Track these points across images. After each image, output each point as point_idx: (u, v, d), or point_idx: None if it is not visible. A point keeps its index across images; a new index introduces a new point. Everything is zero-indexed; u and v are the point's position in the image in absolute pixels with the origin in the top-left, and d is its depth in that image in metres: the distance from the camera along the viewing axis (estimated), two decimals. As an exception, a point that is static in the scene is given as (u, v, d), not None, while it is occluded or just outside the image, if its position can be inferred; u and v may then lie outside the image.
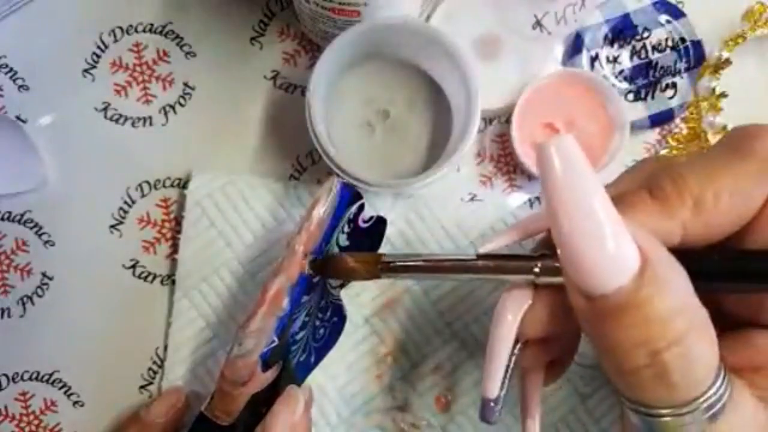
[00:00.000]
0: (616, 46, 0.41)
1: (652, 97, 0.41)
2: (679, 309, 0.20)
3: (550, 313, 0.25)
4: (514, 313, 0.25)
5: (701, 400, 0.21)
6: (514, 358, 0.26)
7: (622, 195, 0.24)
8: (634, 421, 0.22)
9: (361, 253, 0.32)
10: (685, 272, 0.21)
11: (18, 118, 0.41)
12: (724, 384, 0.21)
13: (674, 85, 0.41)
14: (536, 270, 0.24)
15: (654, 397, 0.21)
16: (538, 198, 0.41)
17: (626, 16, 0.41)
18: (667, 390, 0.21)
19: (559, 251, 0.21)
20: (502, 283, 0.26)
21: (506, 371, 0.26)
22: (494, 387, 0.26)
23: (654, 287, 0.20)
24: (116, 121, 0.41)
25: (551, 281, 0.24)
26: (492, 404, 0.26)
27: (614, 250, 0.20)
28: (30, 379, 0.39)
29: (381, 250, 0.37)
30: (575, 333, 0.27)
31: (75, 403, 0.39)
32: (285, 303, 0.31)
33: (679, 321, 0.20)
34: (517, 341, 0.26)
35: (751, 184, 0.23)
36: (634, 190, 0.24)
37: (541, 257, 0.25)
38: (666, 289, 0.20)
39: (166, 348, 0.39)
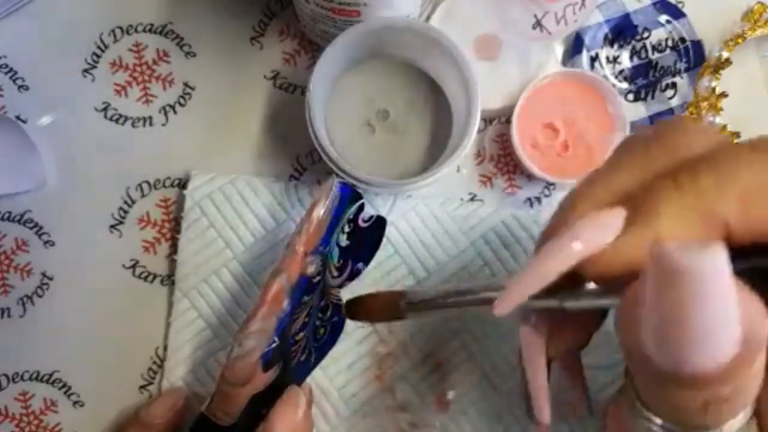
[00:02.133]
0: (616, 46, 0.41)
1: (652, 97, 0.41)
2: (752, 372, 0.18)
3: (572, 334, 0.25)
4: (539, 345, 0.25)
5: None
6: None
7: (636, 196, 0.20)
8: (639, 429, 0.22)
9: (382, 292, 0.32)
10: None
11: (18, 118, 0.41)
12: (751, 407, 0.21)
13: (674, 85, 0.41)
14: (560, 297, 0.23)
15: (688, 424, 0.20)
16: (537, 198, 0.41)
17: (626, 16, 0.41)
18: (708, 421, 0.20)
19: (648, 338, 0.18)
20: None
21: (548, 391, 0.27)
22: (546, 414, 0.27)
23: (742, 365, 0.18)
24: (116, 121, 0.41)
25: (577, 306, 0.23)
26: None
27: (722, 341, 0.17)
28: (30, 379, 0.39)
29: (381, 251, 0.37)
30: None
31: (75, 403, 0.39)
32: (285, 303, 0.31)
33: (748, 379, 0.19)
34: (549, 360, 0.26)
35: None
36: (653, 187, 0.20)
37: (562, 285, 0.23)
38: (752, 363, 0.18)
39: (166, 348, 0.39)
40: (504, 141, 0.41)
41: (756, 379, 0.19)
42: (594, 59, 0.41)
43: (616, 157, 0.23)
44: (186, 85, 0.41)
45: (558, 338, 0.26)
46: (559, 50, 0.41)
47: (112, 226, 0.40)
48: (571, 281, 0.22)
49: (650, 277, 0.17)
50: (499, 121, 0.41)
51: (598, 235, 0.21)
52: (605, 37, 0.41)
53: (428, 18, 0.40)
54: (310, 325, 0.34)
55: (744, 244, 0.20)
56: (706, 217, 0.20)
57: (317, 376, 0.38)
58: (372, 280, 0.38)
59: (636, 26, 0.41)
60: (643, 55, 0.41)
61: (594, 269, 0.21)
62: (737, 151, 0.20)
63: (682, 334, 0.17)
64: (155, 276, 0.40)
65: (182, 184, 0.40)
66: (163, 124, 0.41)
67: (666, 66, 0.41)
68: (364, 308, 0.32)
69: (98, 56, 0.41)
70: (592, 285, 0.23)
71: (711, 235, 0.20)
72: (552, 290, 0.22)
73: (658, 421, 0.21)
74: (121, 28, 0.41)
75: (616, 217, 0.21)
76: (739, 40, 0.40)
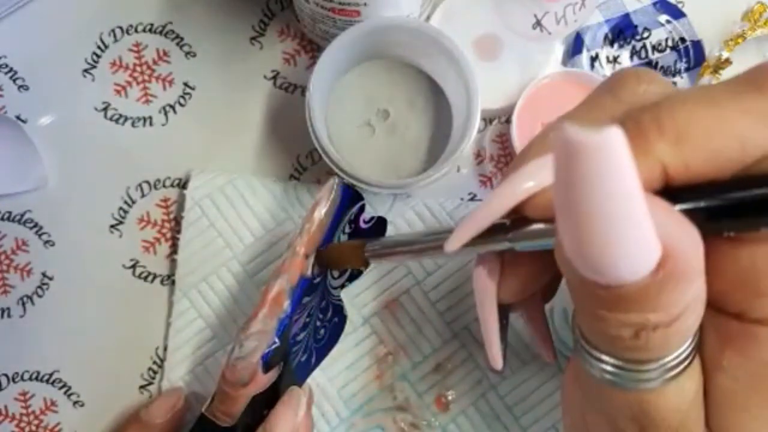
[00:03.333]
0: (616, 46, 0.41)
1: (652, 97, 0.41)
2: (684, 299, 0.18)
3: (524, 276, 0.25)
4: (490, 287, 0.26)
5: (668, 359, 0.20)
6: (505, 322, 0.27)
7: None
8: (587, 369, 0.21)
9: (346, 242, 0.34)
10: (702, 249, 0.18)
11: (18, 118, 0.41)
12: (692, 345, 0.20)
13: (674, 85, 0.41)
14: (510, 238, 0.23)
15: (625, 356, 0.20)
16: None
17: (626, 16, 0.41)
18: (642, 354, 0.20)
19: (564, 237, 0.18)
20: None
21: (502, 338, 0.27)
22: (498, 360, 0.27)
23: (667, 284, 0.18)
24: (116, 121, 0.41)
25: (527, 246, 0.23)
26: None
27: (634, 244, 0.17)
28: (30, 379, 0.39)
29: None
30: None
31: (75, 403, 0.39)
32: (286, 304, 0.31)
33: (679, 305, 0.18)
34: (503, 306, 0.26)
35: (755, 126, 0.19)
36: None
37: (513, 226, 0.23)
38: (679, 285, 0.18)
39: (166, 348, 0.39)
40: (504, 141, 0.41)
41: (692, 312, 0.19)
42: (594, 59, 0.41)
43: (576, 108, 0.24)
44: (186, 85, 0.41)
45: (509, 281, 0.26)
46: (559, 50, 0.41)
47: (112, 226, 0.40)
48: (522, 224, 0.23)
49: (554, 163, 0.16)
50: (499, 121, 0.41)
51: (543, 173, 0.21)
52: (605, 37, 0.41)
53: (428, 18, 0.40)
54: (311, 325, 0.34)
55: (680, 185, 0.20)
56: (646, 160, 0.19)
57: (317, 377, 0.38)
58: (371, 280, 0.38)
59: (636, 26, 0.41)
60: (643, 55, 0.41)
61: (539, 205, 0.22)
62: (679, 94, 0.21)
63: (589, 227, 0.16)
64: (155, 276, 0.40)
65: (182, 184, 0.40)
66: (163, 124, 0.41)
67: (666, 66, 0.41)
68: (332, 257, 0.33)
69: (98, 56, 0.41)
70: (540, 225, 0.23)
71: (649, 176, 0.19)
72: (502, 231, 0.23)
73: (602, 356, 0.21)
74: (121, 28, 0.41)
75: None
76: (739, 40, 0.40)
